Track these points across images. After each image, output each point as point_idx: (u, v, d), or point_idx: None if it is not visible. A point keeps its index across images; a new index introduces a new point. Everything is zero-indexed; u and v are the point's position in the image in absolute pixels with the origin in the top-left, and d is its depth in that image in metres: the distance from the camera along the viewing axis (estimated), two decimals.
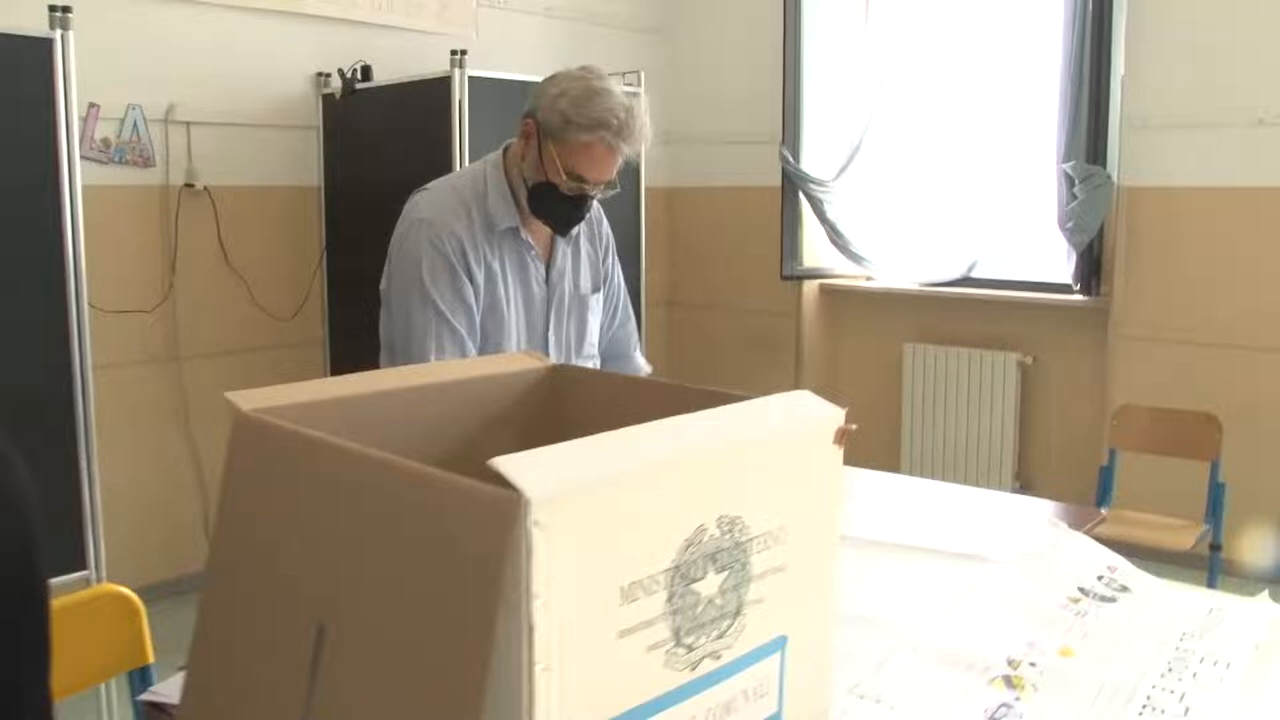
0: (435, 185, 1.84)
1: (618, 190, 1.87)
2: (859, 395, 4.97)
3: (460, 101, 3.32)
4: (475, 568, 0.75)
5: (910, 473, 4.65)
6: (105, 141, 3.26)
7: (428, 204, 1.79)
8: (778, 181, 4.69)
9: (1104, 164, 3.91)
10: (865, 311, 4.91)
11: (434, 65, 3.47)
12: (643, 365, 2.13)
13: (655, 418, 0.92)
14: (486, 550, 0.74)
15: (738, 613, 0.89)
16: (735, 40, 4.98)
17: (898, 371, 4.69)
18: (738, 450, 0.88)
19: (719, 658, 0.87)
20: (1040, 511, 2.08)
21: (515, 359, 1.27)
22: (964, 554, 1.77)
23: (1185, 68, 3.78)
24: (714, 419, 0.89)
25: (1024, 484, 4.39)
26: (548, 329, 1.87)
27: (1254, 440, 3.60)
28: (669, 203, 5.24)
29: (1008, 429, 4.34)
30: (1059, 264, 4.12)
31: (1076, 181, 3.87)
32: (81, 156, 3.20)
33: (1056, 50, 3.96)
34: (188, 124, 3.44)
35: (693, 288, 5.33)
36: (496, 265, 1.80)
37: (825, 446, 0.96)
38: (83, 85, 3.16)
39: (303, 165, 3.76)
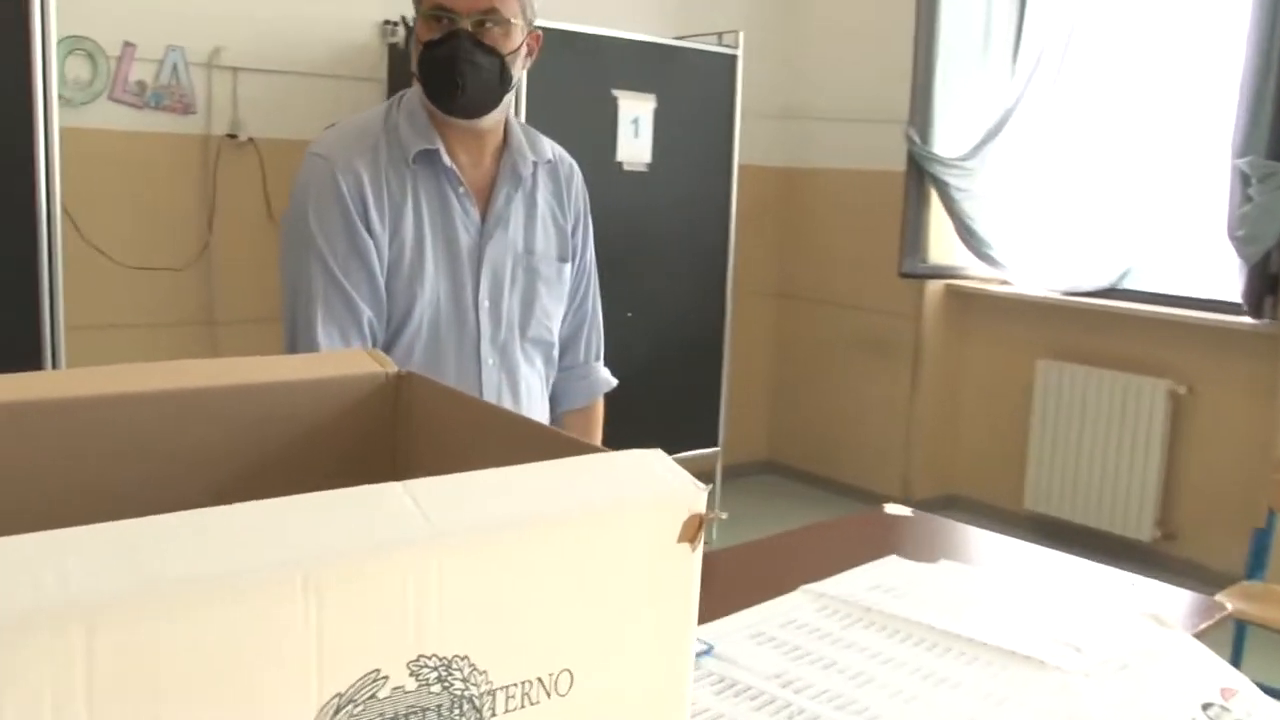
0: (343, 121, 1.56)
1: (500, 22, 1.46)
2: (982, 414, 4.50)
3: None
4: None
5: (1033, 507, 4.17)
6: (140, 84, 3.11)
7: (327, 139, 1.51)
8: (902, 166, 4.25)
9: None
10: (995, 319, 4.43)
11: None
12: (605, 378, 1.79)
13: (500, 462, 0.61)
14: None
15: None
16: (860, 3, 4.55)
17: (1028, 391, 4.21)
18: (462, 544, 0.55)
19: None
20: (1150, 597, 1.66)
21: (349, 358, 0.96)
22: (1019, 653, 1.38)
23: None
24: (437, 491, 0.57)
25: (1167, 534, 3.85)
26: (478, 292, 1.53)
27: None
28: (785, 184, 4.85)
29: (1152, 468, 3.81)
30: (1226, 279, 3.57)
31: (1253, 181, 3.31)
32: (111, 99, 3.09)
33: (1242, 27, 3.40)
34: (234, 69, 3.27)
35: (805, 280, 4.94)
36: (409, 202, 1.48)
37: (665, 545, 0.62)
38: (118, 23, 3.04)
39: None
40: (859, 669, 1.34)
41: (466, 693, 0.55)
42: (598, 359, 1.76)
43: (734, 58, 3.63)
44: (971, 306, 4.51)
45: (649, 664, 0.63)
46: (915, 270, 4.35)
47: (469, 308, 1.52)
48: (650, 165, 3.48)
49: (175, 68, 3.14)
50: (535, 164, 1.60)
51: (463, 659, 0.55)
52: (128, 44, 3.06)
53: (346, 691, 0.51)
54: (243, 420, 0.89)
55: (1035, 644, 1.42)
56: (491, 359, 1.54)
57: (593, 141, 3.39)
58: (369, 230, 1.44)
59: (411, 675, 0.53)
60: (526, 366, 1.60)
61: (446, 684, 0.55)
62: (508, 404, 1.56)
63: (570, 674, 0.59)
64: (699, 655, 1.35)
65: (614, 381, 1.77)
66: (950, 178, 4.20)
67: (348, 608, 0.51)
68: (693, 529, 0.62)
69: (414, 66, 1.49)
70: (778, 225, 4.92)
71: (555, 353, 1.67)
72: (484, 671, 0.56)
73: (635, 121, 3.40)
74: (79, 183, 2.98)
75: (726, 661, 1.34)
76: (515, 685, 0.57)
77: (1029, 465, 4.22)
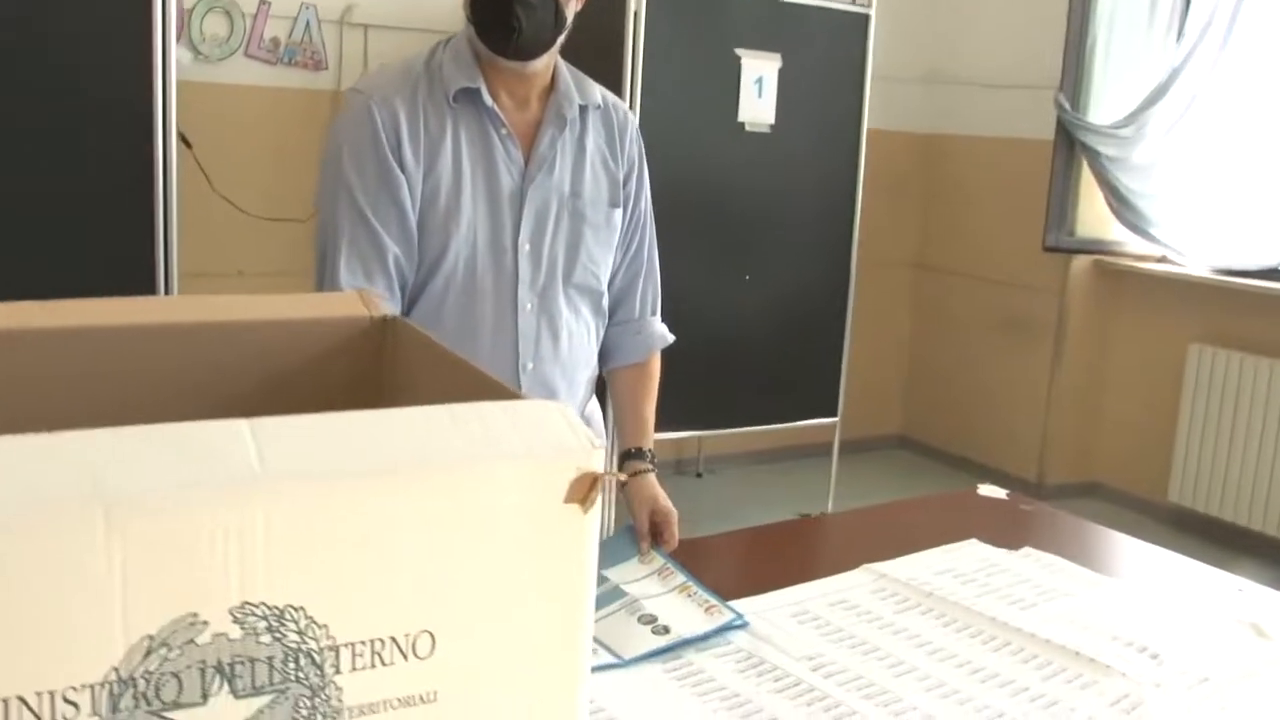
0: (390, 61, 1.55)
1: None
2: (1128, 399, 4.24)
3: (637, 13, 2.99)
4: None
5: (1178, 500, 3.92)
6: (274, 41, 3.20)
7: (368, 77, 1.50)
8: (1049, 134, 4.01)
9: None
10: (1146, 299, 4.15)
11: None
12: (661, 333, 1.71)
13: None
14: None
15: None
16: None
17: (1178, 376, 3.93)
18: (295, 489, 0.51)
19: None
20: (1257, 604, 1.51)
21: (336, 300, 0.95)
22: (1083, 654, 1.27)
23: None
24: (286, 432, 0.53)
25: None
26: (518, 235, 1.49)
27: None
28: (922, 151, 4.66)
29: None
30: None
31: None
32: (246, 55, 3.19)
33: None
34: (365, 26, 3.32)
35: (944, 251, 4.74)
36: (447, 140, 1.45)
37: (549, 505, 0.57)
38: None
39: None
40: (901, 658, 1.26)
41: (303, 646, 0.52)
42: (654, 313, 1.70)
43: (866, 17, 3.48)
44: (1120, 284, 4.23)
45: (531, 633, 0.58)
46: (1060, 244, 4.11)
47: (507, 250, 1.49)
48: (774, 127, 3.38)
49: (308, 25, 3.22)
50: (585, 108, 1.55)
51: (297, 610, 0.52)
52: (263, 2, 3.15)
53: (159, 634, 0.49)
54: (219, 359, 0.88)
55: (1105, 646, 1.31)
56: (530, 304, 1.51)
57: (714, 101, 3.31)
58: (402, 166, 1.42)
59: (236, 623, 0.50)
60: (570, 314, 1.55)
61: (278, 635, 0.51)
62: (547, 351, 1.53)
63: (431, 636, 0.55)
64: (732, 627, 1.29)
65: (670, 337, 1.71)
66: (1103, 146, 3.94)
67: (156, 547, 0.48)
68: (583, 489, 0.57)
69: (465, 8, 1.46)
70: (915, 194, 4.73)
71: (605, 303, 1.62)
72: (324, 625, 0.52)
73: (759, 81, 3.30)
74: (212, 136, 3.10)
75: (760, 639, 1.28)
76: (363, 643, 0.53)
77: (1175, 456, 3.95)
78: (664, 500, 1.53)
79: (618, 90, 3.15)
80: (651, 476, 1.57)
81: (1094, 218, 4.12)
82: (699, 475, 4.53)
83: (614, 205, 1.57)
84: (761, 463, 4.60)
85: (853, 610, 1.38)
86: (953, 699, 1.17)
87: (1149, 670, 1.26)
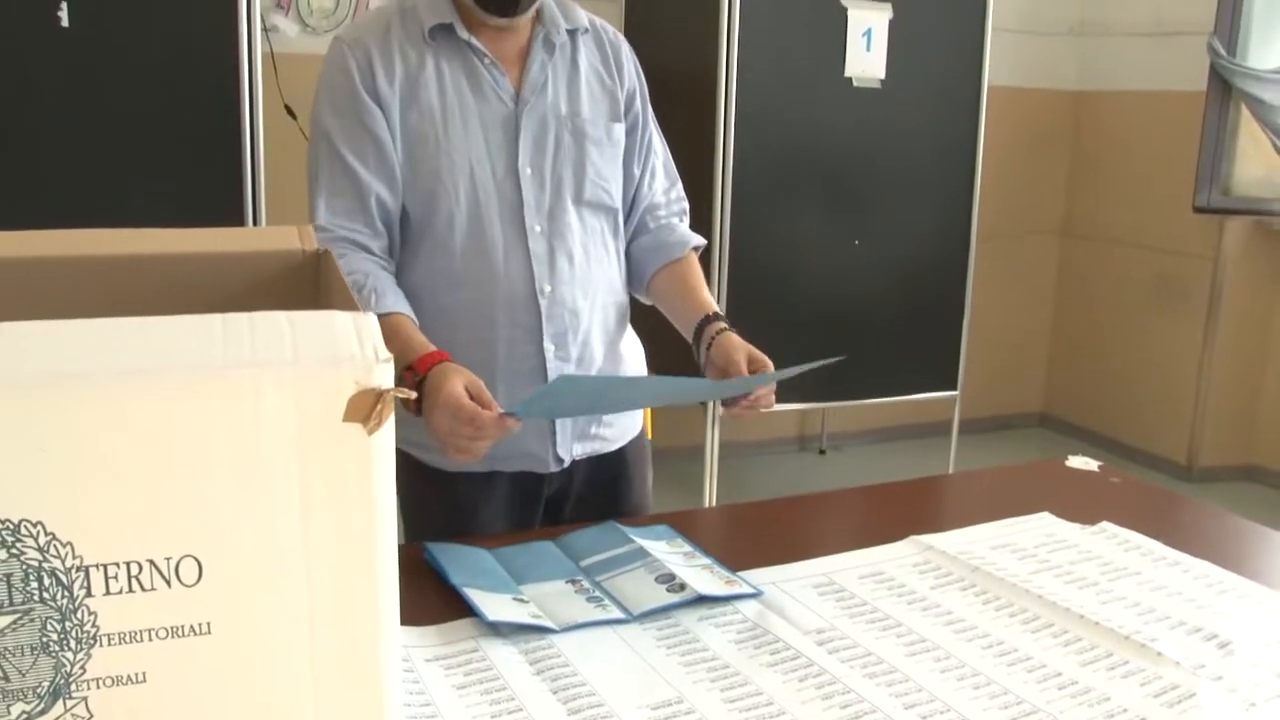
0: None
1: None
2: None
3: None
4: None
5: None
6: None
7: (347, 25, 1.51)
8: (1199, 86, 3.72)
9: None
10: None
11: None
12: (692, 234, 1.67)
13: None
14: None
15: (57, 695, 0.51)
16: None
17: None
18: (17, 393, 0.49)
19: None
20: None
21: (267, 235, 0.93)
22: (1134, 639, 1.15)
23: None
24: (28, 334, 0.51)
25: None
26: (518, 160, 1.48)
27: None
28: (1057, 109, 4.41)
29: None
30: None
31: None
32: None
33: None
34: None
35: (1085, 216, 4.49)
36: (428, 72, 1.44)
37: (324, 423, 0.53)
38: None
39: None
40: (923, 635, 1.16)
41: (45, 564, 0.50)
42: (681, 220, 1.69)
43: None
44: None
45: (317, 566, 0.54)
46: (1213, 204, 3.82)
47: (508, 175, 1.48)
48: (884, 83, 3.23)
49: None
50: (574, 32, 1.55)
51: (34, 525, 0.49)
52: None
53: None
54: (149, 291, 0.87)
55: (1164, 631, 1.18)
56: (538, 226, 1.50)
57: (819, 54, 3.19)
58: (378, 100, 1.43)
59: None
60: (584, 234, 1.54)
61: (15, 551, 0.49)
62: (563, 273, 1.51)
63: (197, 562, 0.52)
64: (742, 597, 1.22)
65: (702, 240, 1.69)
66: (1267, 94, 3.63)
67: None
68: (364, 407, 0.53)
69: None
70: (1059, 156, 4.48)
71: (620, 220, 1.61)
72: (67, 544, 0.50)
73: (867, 34, 3.16)
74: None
75: (771, 610, 1.20)
76: (117, 565, 0.51)
77: None
78: (756, 351, 1.49)
79: (714, 45, 3.08)
80: (734, 334, 1.53)
81: (1252, 176, 3.81)
82: (822, 452, 4.42)
83: (614, 120, 1.57)
84: (885, 440, 4.46)
85: (885, 584, 1.29)
86: (968, 682, 1.07)
87: (1213, 661, 1.13)
